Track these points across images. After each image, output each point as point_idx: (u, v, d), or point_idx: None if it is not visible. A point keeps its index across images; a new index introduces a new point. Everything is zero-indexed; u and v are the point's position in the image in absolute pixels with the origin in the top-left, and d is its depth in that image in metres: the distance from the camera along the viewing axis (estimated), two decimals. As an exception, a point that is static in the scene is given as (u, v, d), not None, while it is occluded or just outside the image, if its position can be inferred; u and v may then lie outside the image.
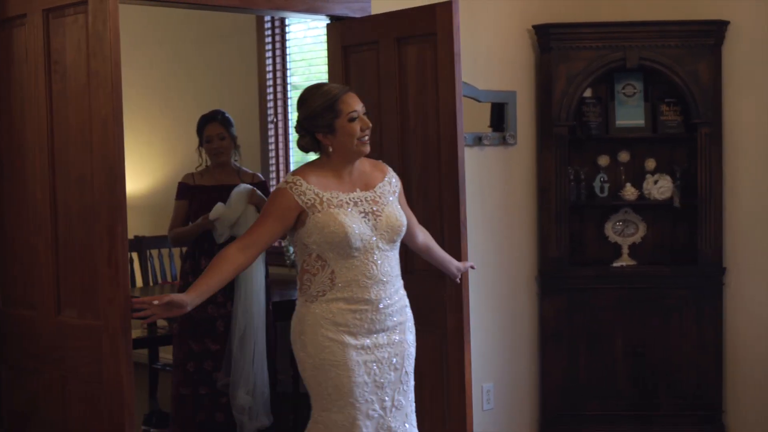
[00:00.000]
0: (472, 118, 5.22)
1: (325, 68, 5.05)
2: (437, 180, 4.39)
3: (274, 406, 5.37)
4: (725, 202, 5.65)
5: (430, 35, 4.45)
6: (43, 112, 3.97)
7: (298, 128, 3.70)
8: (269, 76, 6.94)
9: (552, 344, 5.73)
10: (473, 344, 4.71)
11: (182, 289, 5.15)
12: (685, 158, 5.75)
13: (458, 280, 4.23)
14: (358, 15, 4.83)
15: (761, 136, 5.57)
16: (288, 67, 6.89)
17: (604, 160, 5.81)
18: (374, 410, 3.63)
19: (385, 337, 3.68)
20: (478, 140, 5.41)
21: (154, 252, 6.83)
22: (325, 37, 5.08)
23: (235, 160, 5.43)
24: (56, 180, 3.97)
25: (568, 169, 5.69)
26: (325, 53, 5.06)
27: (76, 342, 3.93)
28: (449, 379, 4.44)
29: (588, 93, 5.77)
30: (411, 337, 3.80)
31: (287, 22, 6.81)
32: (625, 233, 5.84)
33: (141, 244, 6.75)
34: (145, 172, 7.46)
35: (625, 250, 5.82)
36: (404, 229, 3.74)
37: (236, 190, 5.18)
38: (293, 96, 6.92)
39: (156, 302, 3.43)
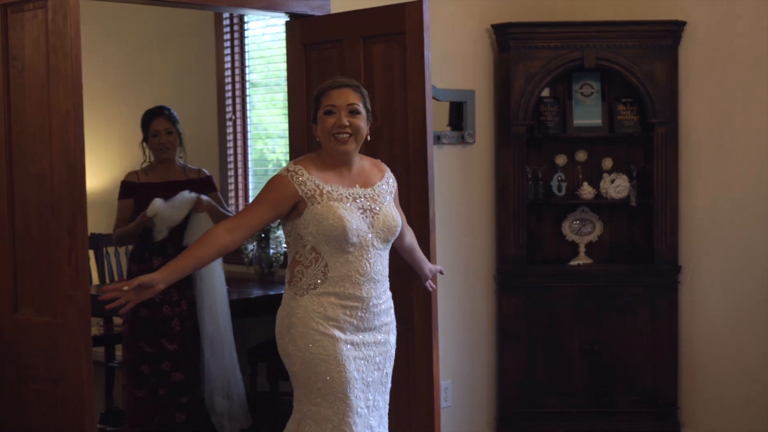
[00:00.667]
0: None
1: (284, 66, 5.04)
2: (405, 179, 4.39)
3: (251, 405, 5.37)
4: (681, 201, 5.71)
5: (398, 34, 4.46)
6: (1, 107, 3.93)
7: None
8: (228, 73, 6.92)
9: (510, 342, 5.76)
10: (433, 342, 4.73)
11: None
12: (642, 158, 5.80)
13: (429, 284, 4.20)
14: (318, 13, 4.83)
15: (716, 135, 5.63)
16: (246, 64, 6.87)
17: (561, 159, 5.85)
18: (362, 408, 3.62)
19: (371, 336, 3.68)
20: (437, 139, 5.42)
21: (111, 250, 6.78)
22: (284, 35, 5.08)
23: (180, 157, 5.37)
24: (14, 176, 3.94)
25: (526, 168, 5.72)
26: (284, 51, 5.05)
27: (34, 341, 3.90)
28: (416, 377, 4.45)
29: (546, 92, 5.80)
30: (393, 338, 3.81)
31: (246, 19, 6.79)
32: (582, 232, 5.89)
33: (97, 242, 6.70)
34: (101, 169, 7.40)
35: (582, 249, 5.86)
36: (399, 230, 3.76)
37: (182, 194, 5.12)
38: (251, 93, 6.91)
39: (126, 287, 3.32)
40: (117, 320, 6.35)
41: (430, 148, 4.42)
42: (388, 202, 3.75)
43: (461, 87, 5.60)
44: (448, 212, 5.52)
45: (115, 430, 5.85)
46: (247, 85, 6.89)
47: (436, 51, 4.85)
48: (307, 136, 4.65)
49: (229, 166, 6.96)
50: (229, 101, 6.94)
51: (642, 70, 5.59)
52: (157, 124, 5.25)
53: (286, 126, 5.42)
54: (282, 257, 6.16)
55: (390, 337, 3.77)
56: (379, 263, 3.68)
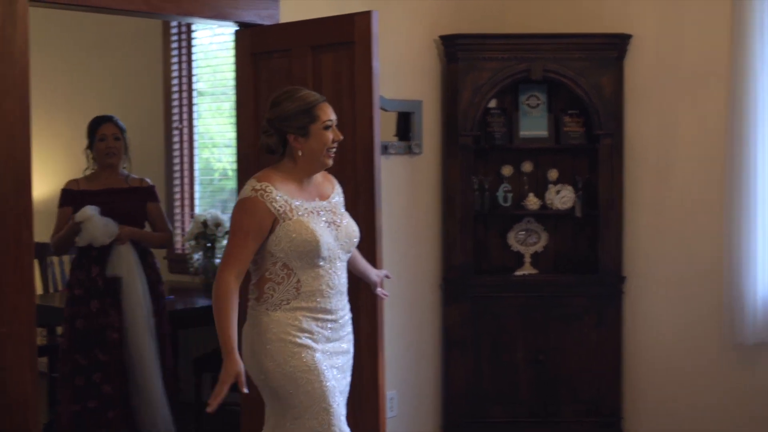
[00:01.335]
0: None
1: (231, 75, 5.03)
2: (352, 189, 4.39)
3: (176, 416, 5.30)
4: (625, 211, 5.78)
5: (347, 44, 4.48)
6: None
7: (266, 127, 3.66)
8: (175, 81, 6.89)
9: (455, 351, 5.78)
10: (379, 351, 4.73)
11: (68, 299, 5.14)
12: (587, 169, 5.87)
13: (380, 292, 4.19)
14: (266, 22, 4.83)
15: (660, 147, 5.71)
16: (194, 73, 6.84)
17: (507, 170, 5.89)
18: (342, 415, 3.63)
19: (338, 345, 3.71)
20: (385, 149, 5.43)
21: (55, 259, 6.70)
22: (231, 44, 5.06)
23: (124, 168, 5.34)
24: (-41, 184, 3.87)
25: (473, 178, 5.75)
26: (232, 59, 5.04)
27: (-23, 350, 3.83)
28: (363, 386, 4.44)
29: (493, 103, 5.85)
30: (352, 348, 3.83)
31: (193, 27, 6.76)
32: (527, 242, 5.93)
33: (41, 251, 6.61)
34: (45, 178, 7.31)
35: (528, 259, 5.91)
36: (358, 240, 3.78)
37: (110, 221, 5.09)
38: (198, 102, 6.88)
39: (226, 388, 3.40)
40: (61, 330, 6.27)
41: (377, 158, 4.44)
42: (345, 213, 3.78)
43: (409, 97, 5.62)
44: (395, 222, 5.53)
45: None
46: (194, 93, 6.86)
47: (384, 61, 4.87)
48: (255, 145, 4.63)
49: (175, 175, 6.92)
50: (176, 110, 6.90)
51: (588, 82, 5.65)
52: (105, 129, 5.24)
53: (232, 135, 5.42)
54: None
55: (350, 346, 3.81)
56: (343, 275, 3.72)
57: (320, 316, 3.62)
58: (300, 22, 4.69)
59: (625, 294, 5.80)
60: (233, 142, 5.23)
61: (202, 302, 5.80)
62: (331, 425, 3.56)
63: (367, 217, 4.44)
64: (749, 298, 5.32)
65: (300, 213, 3.58)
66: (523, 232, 5.93)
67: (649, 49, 5.70)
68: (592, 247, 5.84)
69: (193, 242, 6.17)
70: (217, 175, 6.87)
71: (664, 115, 5.70)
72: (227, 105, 6.67)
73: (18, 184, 3.67)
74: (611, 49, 5.67)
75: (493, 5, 6.00)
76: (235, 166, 5.09)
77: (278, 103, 3.63)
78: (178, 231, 6.84)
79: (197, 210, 6.83)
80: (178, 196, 6.92)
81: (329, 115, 3.65)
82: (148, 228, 5.30)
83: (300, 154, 3.62)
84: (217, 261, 6.13)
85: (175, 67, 6.87)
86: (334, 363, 3.67)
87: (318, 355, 3.59)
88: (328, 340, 3.66)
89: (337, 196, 3.80)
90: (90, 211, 5.01)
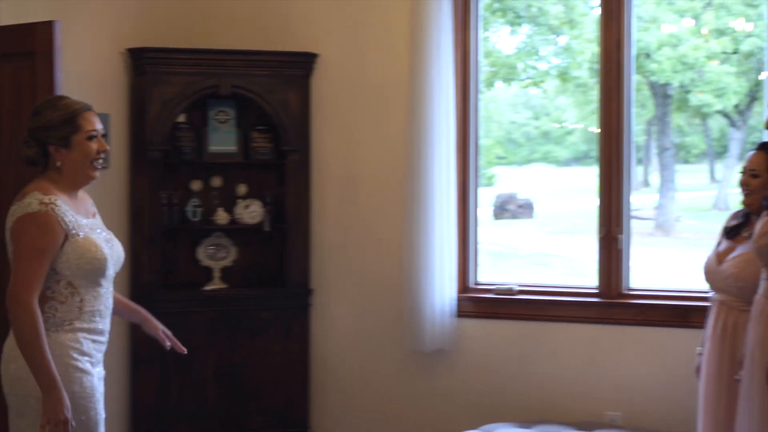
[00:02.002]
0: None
1: None
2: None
3: None
4: (312, 225, 5.93)
5: (28, 54, 4.33)
6: None
7: (27, 138, 3.42)
8: None
9: (143, 368, 5.69)
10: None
11: None
12: (276, 184, 5.96)
13: (170, 338, 3.92)
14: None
15: (345, 163, 5.91)
16: None
17: (197, 185, 5.89)
18: None
19: (102, 370, 3.57)
20: (70, 162, 5.27)
21: None
22: None
23: None
24: None
25: (161, 193, 5.70)
26: None
27: None
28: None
29: (182, 118, 5.82)
30: None
31: None
32: (216, 257, 5.95)
33: None
34: None
35: (217, 274, 5.92)
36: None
37: None
38: None
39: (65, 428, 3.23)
40: None
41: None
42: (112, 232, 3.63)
43: (95, 111, 5.47)
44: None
45: None
46: None
47: (68, 73, 4.72)
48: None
49: None
50: None
51: (276, 99, 5.74)
52: None
53: None
54: None
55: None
56: (113, 294, 3.59)
57: (97, 338, 3.49)
58: (-22, 30, 4.49)
59: (313, 306, 5.94)
60: None
61: None
62: None
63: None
64: (427, 308, 5.60)
65: (86, 230, 3.42)
66: (213, 247, 5.94)
67: (335, 68, 5.88)
68: (280, 260, 5.94)
69: None
70: None
71: (348, 131, 5.90)
72: None
73: None
74: (298, 67, 5.80)
75: (181, 19, 5.97)
76: None
77: (39, 112, 3.44)
78: None
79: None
80: None
81: (94, 124, 3.47)
82: None
83: (59, 164, 3.42)
84: None
85: None
86: (101, 389, 3.54)
87: (95, 381, 3.46)
88: (99, 362, 3.53)
89: (97, 214, 3.64)
90: None
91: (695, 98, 13.18)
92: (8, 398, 3.44)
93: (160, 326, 3.89)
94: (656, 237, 13.75)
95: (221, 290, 5.87)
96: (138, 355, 5.68)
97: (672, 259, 12.80)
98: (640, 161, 14.95)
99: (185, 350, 3.91)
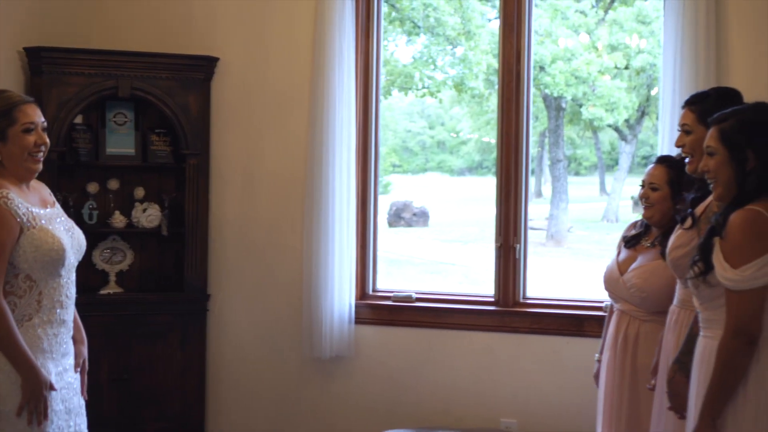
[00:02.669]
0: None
1: None
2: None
3: None
4: (211, 230, 5.88)
5: None
6: None
7: None
8: None
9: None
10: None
11: None
12: (174, 188, 5.90)
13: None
14: None
15: (246, 167, 5.88)
16: None
17: (93, 187, 5.79)
18: None
19: (68, 361, 3.56)
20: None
21: None
22: None
23: None
24: None
25: (57, 195, 5.56)
26: None
27: None
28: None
29: (79, 119, 5.72)
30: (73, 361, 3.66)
31: None
32: (113, 261, 5.86)
33: None
34: None
35: (113, 278, 5.83)
36: (85, 247, 3.61)
37: None
38: None
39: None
40: None
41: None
42: (71, 220, 3.63)
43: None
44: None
45: None
46: None
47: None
48: None
49: None
50: None
51: (176, 102, 5.69)
52: None
53: None
54: None
55: (73, 360, 3.66)
56: (74, 283, 3.58)
57: (58, 329, 3.48)
58: None
59: (210, 311, 5.89)
60: None
61: None
62: None
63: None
64: (326, 315, 5.61)
65: (42, 221, 3.40)
66: (109, 251, 5.85)
67: (236, 72, 5.85)
68: (178, 265, 5.88)
69: None
70: None
71: (249, 136, 5.87)
72: None
73: None
74: (198, 70, 5.76)
75: (81, 19, 5.88)
76: None
77: None
78: None
79: None
80: None
81: (31, 117, 3.44)
82: None
83: (0, 159, 3.40)
84: None
85: None
86: (65, 382, 3.54)
87: (53, 378, 3.44)
88: (63, 355, 3.52)
89: (57, 204, 3.64)
90: None
91: (587, 112, 13.48)
92: None
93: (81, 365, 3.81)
94: (548, 247, 14.03)
95: (117, 294, 5.78)
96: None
97: (563, 268, 13.06)
98: (533, 172, 15.32)
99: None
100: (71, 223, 3.65)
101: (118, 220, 5.77)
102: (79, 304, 5.53)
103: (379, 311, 5.76)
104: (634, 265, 4.34)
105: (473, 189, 18.25)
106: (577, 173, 17.95)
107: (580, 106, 13.69)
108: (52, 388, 3.43)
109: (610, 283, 4.41)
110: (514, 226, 5.58)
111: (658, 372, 4.02)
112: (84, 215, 5.71)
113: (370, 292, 5.86)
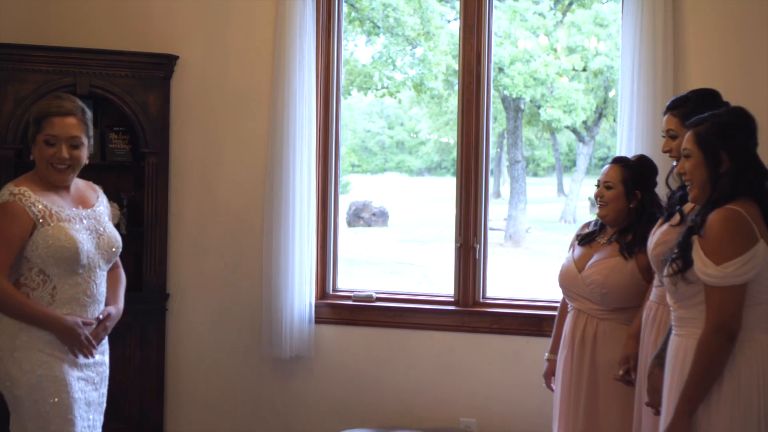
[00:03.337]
0: None
1: None
2: None
3: None
4: (170, 229, 5.85)
5: None
6: None
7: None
8: None
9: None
10: None
11: None
12: (133, 186, 5.86)
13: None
14: None
15: (206, 166, 5.86)
16: None
17: (51, 185, 5.73)
18: (84, 428, 3.57)
19: (91, 357, 3.63)
20: None
21: None
22: None
23: None
24: None
25: (14, 193, 5.53)
26: None
27: None
28: None
29: (37, 116, 5.66)
30: (107, 359, 3.80)
31: None
32: (70, 259, 5.80)
33: None
34: None
35: (71, 277, 5.78)
36: (119, 250, 3.73)
37: None
38: None
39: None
40: None
41: None
42: (108, 223, 3.73)
43: None
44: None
45: None
46: None
47: None
48: None
49: None
50: None
51: (135, 100, 5.65)
52: None
53: None
54: None
55: (105, 357, 3.77)
56: (102, 284, 3.68)
57: None
58: None
59: (169, 311, 5.86)
60: None
61: None
62: None
63: None
64: (286, 314, 5.60)
65: (60, 219, 3.52)
66: (66, 249, 5.79)
67: (196, 71, 5.82)
68: (137, 264, 5.84)
69: None
70: None
71: (209, 135, 5.85)
72: None
73: None
74: (158, 68, 5.72)
75: (39, 16, 5.83)
76: None
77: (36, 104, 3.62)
78: None
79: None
80: None
81: (56, 130, 3.54)
82: None
83: (32, 159, 3.61)
84: None
85: None
86: (85, 375, 3.63)
87: (66, 366, 3.54)
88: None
89: (101, 206, 3.76)
90: None
91: (545, 113, 13.57)
92: (4, 394, 3.62)
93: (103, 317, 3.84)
94: (506, 247, 14.10)
95: (74, 294, 5.72)
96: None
97: (521, 268, 13.13)
98: (492, 173, 15.40)
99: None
100: (106, 226, 3.76)
101: (76, 218, 5.71)
102: (36, 304, 5.53)
103: (340, 311, 5.76)
104: (591, 262, 4.37)
105: (432, 189, 18.31)
106: (535, 174, 18.07)
107: (539, 107, 13.77)
108: (85, 324, 3.60)
109: (567, 280, 4.43)
110: (474, 226, 5.60)
111: (628, 364, 4.06)
112: (41, 214, 5.65)
113: (331, 292, 5.86)
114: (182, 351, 5.90)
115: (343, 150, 14.98)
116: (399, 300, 5.79)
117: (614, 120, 13.31)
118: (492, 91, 5.75)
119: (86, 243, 3.61)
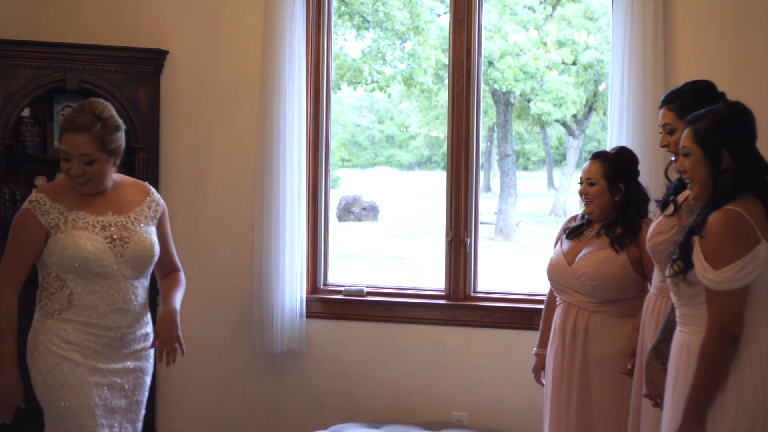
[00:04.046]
0: None
1: None
2: None
3: None
4: (161, 225, 5.83)
5: None
6: None
7: None
8: None
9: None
10: None
11: None
12: (123, 182, 5.84)
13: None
14: None
15: (196, 161, 5.85)
16: None
17: (41, 181, 5.72)
18: None
19: (119, 363, 3.61)
20: None
21: None
22: None
23: None
24: None
25: (4, 188, 5.53)
26: None
27: None
28: None
29: (26, 112, 5.65)
30: (147, 365, 3.77)
31: None
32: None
33: None
34: None
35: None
36: (155, 258, 3.67)
37: None
38: None
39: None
40: None
41: None
42: (142, 229, 3.65)
43: None
44: None
45: None
46: None
47: None
48: None
49: None
50: None
51: (125, 95, 5.64)
52: None
53: None
54: None
55: (143, 363, 3.74)
56: (131, 293, 3.63)
57: (94, 331, 3.57)
58: None
59: (159, 306, 5.83)
60: None
61: None
62: None
63: None
64: (277, 309, 5.60)
65: (75, 226, 3.51)
66: (57, 245, 5.78)
67: (186, 66, 5.82)
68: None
69: None
70: None
71: (199, 130, 5.84)
72: None
73: None
74: (148, 63, 5.71)
75: (29, 11, 5.81)
76: None
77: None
78: None
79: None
80: None
81: (65, 146, 3.55)
82: None
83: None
84: None
85: None
86: (109, 381, 3.59)
87: (81, 370, 3.52)
88: (103, 356, 3.59)
89: (146, 209, 3.73)
90: None
91: (535, 107, 13.57)
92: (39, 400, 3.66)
93: (161, 336, 3.78)
94: (497, 241, 14.11)
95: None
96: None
97: (512, 262, 13.15)
98: (481, 167, 15.43)
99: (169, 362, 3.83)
100: (135, 234, 3.67)
101: (67, 214, 5.70)
102: (26, 300, 5.53)
103: (331, 305, 5.77)
104: (581, 254, 4.38)
105: (422, 183, 18.31)
106: (525, 168, 18.07)
107: (529, 101, 13.78)
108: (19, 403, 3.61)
109: (557, 273, 4.44)
110: (464, 220, 5.61)
111: (635, 358, 4.06)
112: (31, 209, 5.64)
113: (321, 287, 5.87)
114: (173, 346, 5.89)
115: (333, 144, 14.97)
116: (390, 294, 5.80)
117: (604, 113, 13.33)
118: (482, 85, 5.76)
119: (99, 252, 3.55)
